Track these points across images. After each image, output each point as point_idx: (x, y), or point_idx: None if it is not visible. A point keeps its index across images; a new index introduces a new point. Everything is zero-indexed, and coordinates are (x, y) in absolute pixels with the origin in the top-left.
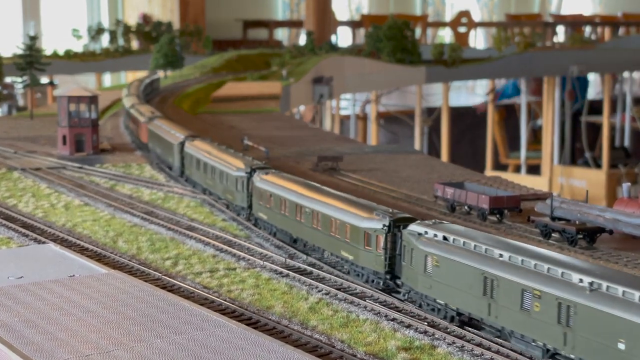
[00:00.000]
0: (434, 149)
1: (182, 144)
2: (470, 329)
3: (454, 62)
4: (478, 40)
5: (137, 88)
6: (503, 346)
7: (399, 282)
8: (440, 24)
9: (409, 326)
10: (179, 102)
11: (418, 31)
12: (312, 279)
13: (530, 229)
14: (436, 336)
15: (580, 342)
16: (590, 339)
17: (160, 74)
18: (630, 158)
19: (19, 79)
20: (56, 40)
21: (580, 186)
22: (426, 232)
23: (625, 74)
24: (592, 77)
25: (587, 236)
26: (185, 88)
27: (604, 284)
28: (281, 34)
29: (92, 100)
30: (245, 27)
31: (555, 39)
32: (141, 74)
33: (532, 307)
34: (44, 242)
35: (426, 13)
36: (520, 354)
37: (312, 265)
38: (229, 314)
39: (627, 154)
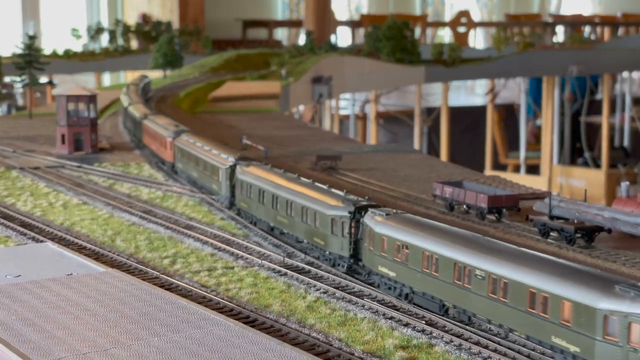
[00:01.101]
0: (433, 148)
1: (232, 169)
2: (467, 327)
3: (454, 62)
4: (477, 40)
5: (138, 93)
6: (500, 344)
7: None
8: (439, 24)
9: (406, 324)
10: (177, 103)
11: (417, 31)
12: (310, 278)
13: (529, 228)
14: (434, 334)
15: None
16: None
17: (151, 75)
18: (629, 158)
19: (18, 79)
20: (55, 39)
21: (580, 186)
22: None
23: (625, 74)
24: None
25: (586, 235)
26: (180, 89)
27: None
28: (281, 34)
29: (91, 99)
30: (245, 27)
31: (554, 39)
32: (140, 73)
33: None
34: (42, 241)
35: (426, 13)
36: (518, 352)
37: (310, 264)
38: (226, 313)
39: (626, 154)
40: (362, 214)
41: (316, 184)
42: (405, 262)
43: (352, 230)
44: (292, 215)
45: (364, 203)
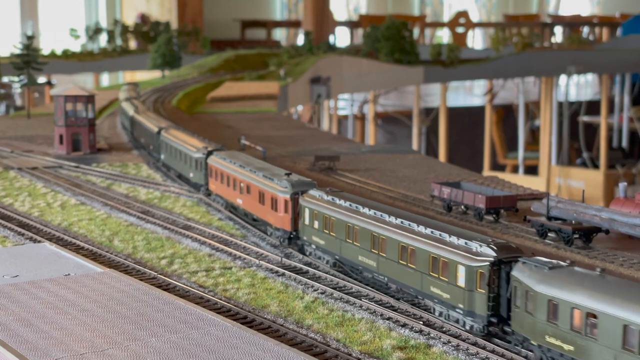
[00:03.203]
0: (431, 149)
1: (493, 269)
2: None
3: (452, 62)
4: (476, 40)
5: (151, 107)
6: (499, 345)
7: None
8: (438, 24)
9: (404, 325)
10: (176, 103)
11: (416, 31)
12: (308, 278)
13: (527, 228)
14: (431, 335)
15: None
16: None
17: (150, 75)
18: (628, 158)
19: (17, 79)
20: (54, 39)
21: (578, 186)
22: None
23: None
24: (590, 78)
25: (583, 236)
26: (179, 90)
27: None
28: (279, 34)
29: (89, 99)
30: (243, 27)
31: (553, 40)
32: (140, 73)
33: None
34: (39, 241)
35: (424, 13)
36: (517, 353)
37: (308, 264)
38: (224, 313)
39: (624, 155)
40: None
41: None
42: None
43: None
44: None
45: None
